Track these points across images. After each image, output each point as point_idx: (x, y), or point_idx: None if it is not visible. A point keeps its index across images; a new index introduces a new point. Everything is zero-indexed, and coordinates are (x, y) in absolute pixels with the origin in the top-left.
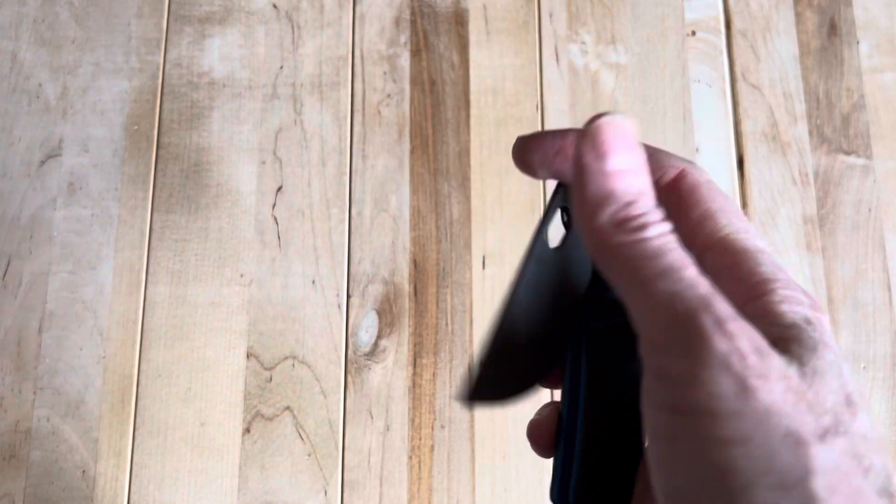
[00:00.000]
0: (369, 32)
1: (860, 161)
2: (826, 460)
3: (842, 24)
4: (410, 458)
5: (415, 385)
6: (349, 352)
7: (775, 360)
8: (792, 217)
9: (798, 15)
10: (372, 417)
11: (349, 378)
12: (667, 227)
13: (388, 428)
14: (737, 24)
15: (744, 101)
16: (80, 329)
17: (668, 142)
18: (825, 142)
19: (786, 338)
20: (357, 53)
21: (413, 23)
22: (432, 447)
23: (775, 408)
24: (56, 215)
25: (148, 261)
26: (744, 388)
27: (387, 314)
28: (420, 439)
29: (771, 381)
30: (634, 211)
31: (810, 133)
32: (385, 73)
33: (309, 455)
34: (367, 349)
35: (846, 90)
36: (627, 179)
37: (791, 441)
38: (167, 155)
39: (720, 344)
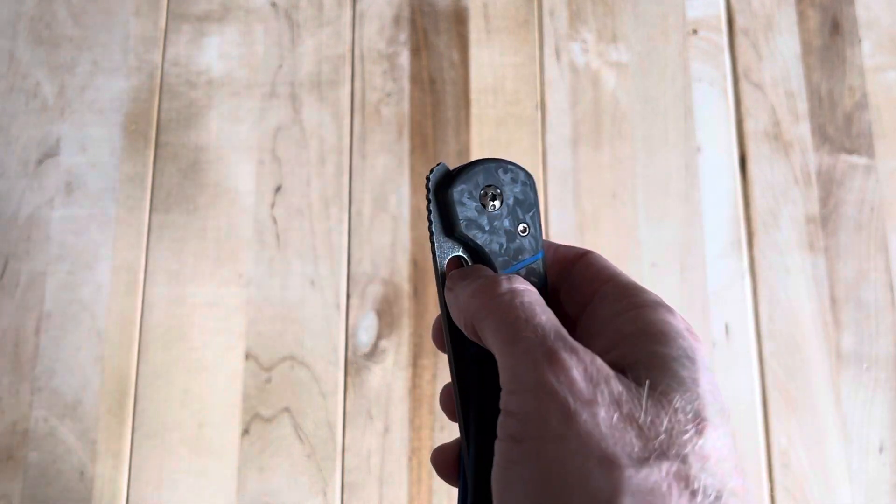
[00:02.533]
0: (369, 31)
1: (863, 160)
2: (640, 483)
3: (844, 22)
4: (410, 459)
5: (414, 386)
6: (348, 353)
7: (609, 386)
8: (794, 217)
9: (800, 13)
10: (371, 419)
11: (349, 379)
12: (521, 286)
13: (387, 429)
14: (739, 22)
15: (746, 100)
16: (78, 329)
17: (669, 141)
18: (827, 141)
19: (641, 360)
20: (356, 52)
21: (413, 21)
22: (432, 448)
23: (595, 432)
24: (54, 215)
25: (146, 261)
26: (566, 415)
27: (386, 315)
28: (420, 441)
29: (595, 406)
30: (488, 280)
31: (812, 132)
32: (385, 71)
33: (308, 456)
34: (367, 350)
35: (848, 89)
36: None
37: (606, 464)
38: (165, 154)
39: (549, 377)
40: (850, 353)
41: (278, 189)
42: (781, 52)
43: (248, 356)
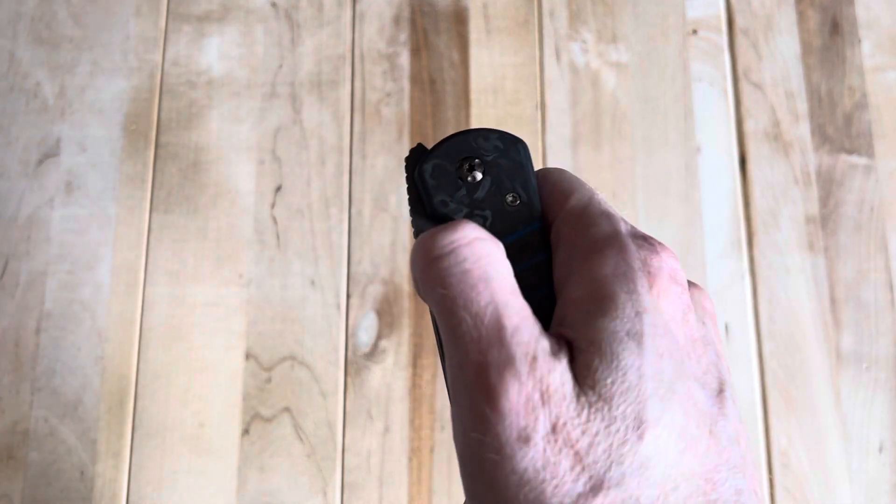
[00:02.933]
0: (369, 31)
1: (862, 161)
2: None
3: (844, 22)
4: (410, 459)
5: (415, 386)
6: (349, 352)
7: (548, 408)
8: (794, 217)
9: (800, 13)
10: (371, 419)
11: (349, 379)
12: (483, 233)
13: (387, 429)
14: (739, 22)
15: (746, 100)
16: (78, 329)
17: (669, 141)
18: (827, 141)
19: (585, 341)
20: (356, 52)
21: (413, 21)
22: (432, 448)
23: (527, 476)
24: (54, 215)
25: (146, 261)
26: (493, 465)
27: (386, 315)
28: (420, 440)
29: (531, 444)
30: (436, 242)
31: (812, 132)
32: (385, 71)
33: (308, 456)
34: (367, 350)
35: (848, 89)
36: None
37: None
38: (165, 154)
39: (477, 423)
40: (849, 353)
41: (278, 189)
42: (781, 53)
43: (248, 356)
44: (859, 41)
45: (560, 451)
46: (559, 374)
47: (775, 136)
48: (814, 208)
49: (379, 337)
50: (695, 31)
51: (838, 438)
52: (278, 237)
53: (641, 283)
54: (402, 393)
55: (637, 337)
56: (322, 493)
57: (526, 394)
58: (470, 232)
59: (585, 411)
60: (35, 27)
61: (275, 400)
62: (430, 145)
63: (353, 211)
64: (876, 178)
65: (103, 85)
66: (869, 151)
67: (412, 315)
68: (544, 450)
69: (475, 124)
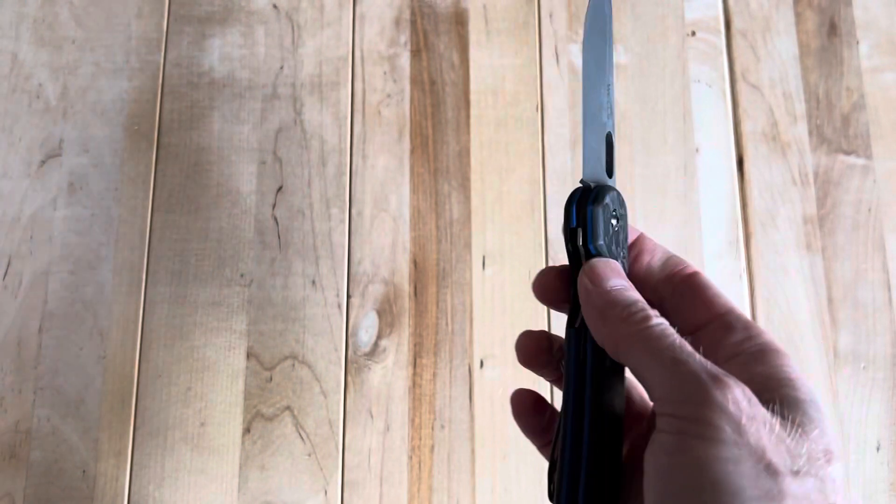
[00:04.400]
0: (369, 32)
1: (860, 161)
2: (796, 490)
3: (842, 24)
4: (410, 458)
5: (415, 385)
6: (349, 352)
7: (761, 409)
8: (792, 217)
9: (798, 15)
10: (372, 417)
11: (349, 378)
12: (662, 319)
13: (388, 428)
14: (737, 24)
15: (744, 101)
16: (80, 329)
17: (667, 142)
18: (825, 142)
19: (775, 396)
20: (357, 53)
21: (413, 23)
22: (432, 447)
23: (761, 443)
24: (56, 215)
25: (148, 261)
26: (738, 426)
27: (387, 314)
28: (420, 439)
29: (757, 423)
30: (636, 309)
31: (810, 133)
32: (385, 73)
33: (309, 455)
34: (367, 349)
35: (846, 90)
36: (625, 293)
37: (771, 470)
38: (167, 155)
39: (717, 394)
40: (847, 353)
41: (279, 189)
42: (779, 54)
43: (249, 355)
44: (857, 42)
45: (776, 438)
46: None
47: (773, 136)
48: (811, 208)
49: (379, 336)
50: (693, 33)
51: (836, 437)
52: (279, 237)
53: (808, 381)
54: (403, 392)
55: (817, 404)
56: (323, 492)
57: (745, 392)
58: (662, 318)
59: (787, 428)
60: (37, 28)
61: (276, 399)
62: (429, 146)
63: (354, 211)
64: (873, 178)
65: (105, 86)
66: (866, 152)
67: (412, 315)
68: (769, 434)
69: (475, 125)
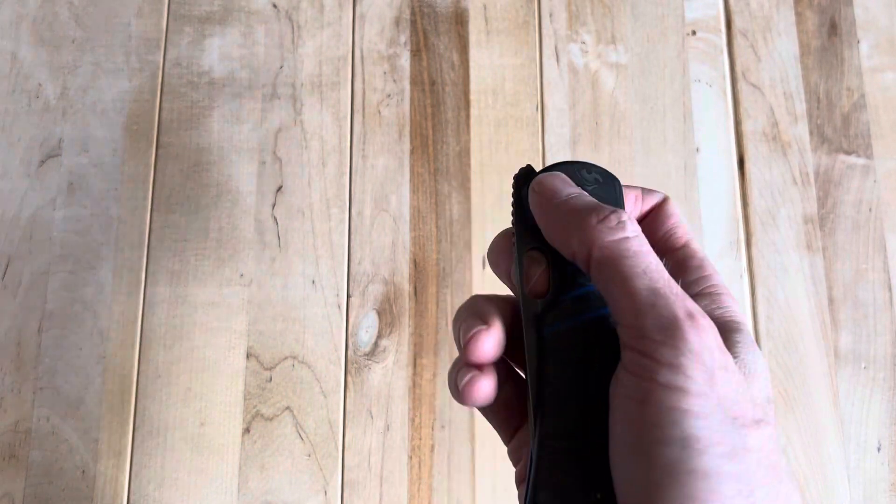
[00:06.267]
0: (369, 32)
1: (861, 161)
2: (758, 441)
3: (842, 23)
4: (410, 458)
5: (415, 385)
6: (349, 352)
7: (729, 357)
8: (792, 217)
9: (798, 14)
10: (372, 417)
11: (349, 378)
12: (638, 229)
13: (388, 428)
14: (737, 23)
15: (744, 100)
16: (80, 329)
17: (668, 141)
18: (825, 142)
19: (731, 337)
20: (357, 53)
21: (413, 23)
22: (432, 447)
23: (729, 395)
24: (56, 215)
25: (147, 261)
26: (711, 377)
27: (387, 314)
28: (420, 439)
29: (728, 372)
30: (606, 213)
31: (811, 133)
32: (385, 72)
33: (309, 455)
34: (368, 349)
35: (846, 90)
36: (586, 198)
37: (738, 422)
38: (167, 155)
39: (694, 338)
40: (847, 353)
41: (279, 189)
42: (780, 53)
43: (249, 355)
44: (857, 42)
45: (741, 387)
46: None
47: (774, 136)
48: (812, 208)
49: (379, 336)
50: (693, 32)
51: (836, 437)
52: (279, 237)
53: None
54: (403, 392)
55: (755, 348)
56: (323, 492)
57: (717, 337)
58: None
59: (746, 375)
60: (37, 28)
61: (276, 399)
62: (429, 145)
63: (354, 211)
64: (874, 178)
65: (105, 86)
66: (867, 152)
67: (412, 314)
68: (736, 382)
69: (475, 125)
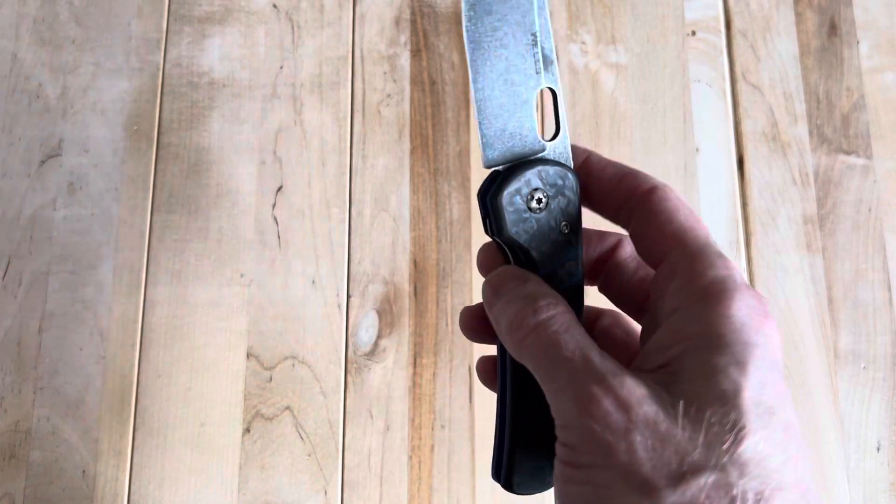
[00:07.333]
0: (369, 32)
1: (860, 161)
2: (677, 500)
3: (842, 24)
4: (410, 458)
5: (415, 385)
6: (349, 352)
7: (641, 409)
8: (792, 217)
9: (798, 15)
10: (372, 417)
11: (349, 378)
12: (557, 315)
13: (388, 428)
14: (737, 24)
15: (744, 101)
16: (80, 329)
17: (667, 142)
18: (825, 142)
19: (687, 371)
20: (357, 53)
21: (413, 23)
22: (432, 447)
23: (633, 459)
24: (56, 215)
25: (148, 261)
26: (607, 449)
27: (387, 314)
28: (420, 439)
29: (631, 434)
30: (529, 311)
31: (810, 133)
32: (385, 72)
33: (309, 455)
34: (367, 349)
35: (846, 90)
36: (522, 295)
37: (645, 489)
38: (167, 155)
39: (584, 415)
40: (847, 353)
41: (279, 189)
42: (779, 54)
43: (249, 355)
44: (857, 42)
45: (660, 441)
46: (644, 390)
47: (773, 136)
48: (812, 208)
49: (379, 336)
50: (693, 33)
51: (836, 437)
52: (279, 237)
53: (753, 319)
54: (403, 392)
55: (740, 363)
56: (323, 492)
57: (618, 397)
58: (552, 307)
59: (681, 418)
60: (37, 28)
61: (276, 399)
62: (429, 145)
63: (354, 211)
64: (874, 178)
65: (105, 86)
66: (867, 152)
67: (412, 314)
68: (646, 440)
69: (475, 125)
